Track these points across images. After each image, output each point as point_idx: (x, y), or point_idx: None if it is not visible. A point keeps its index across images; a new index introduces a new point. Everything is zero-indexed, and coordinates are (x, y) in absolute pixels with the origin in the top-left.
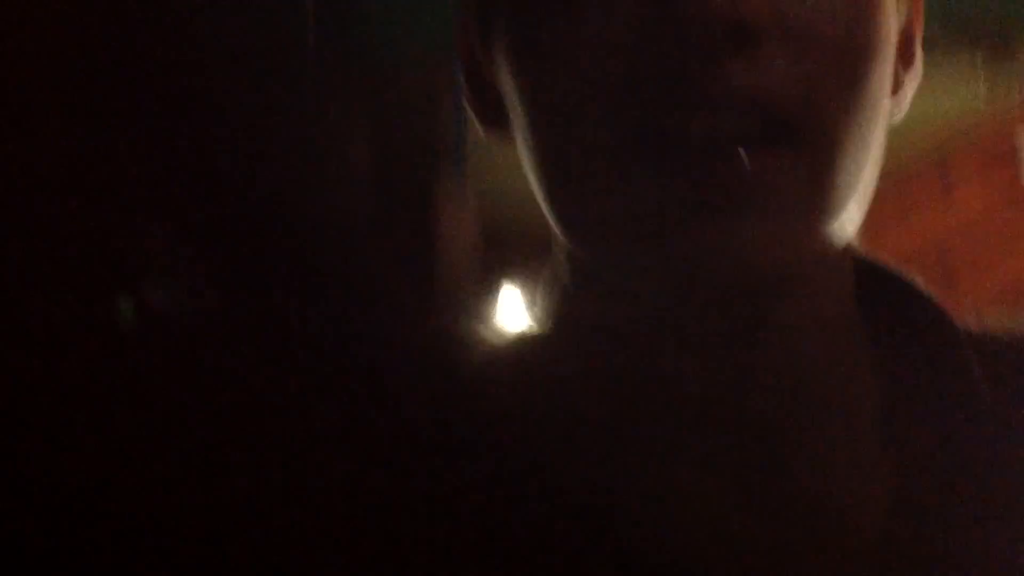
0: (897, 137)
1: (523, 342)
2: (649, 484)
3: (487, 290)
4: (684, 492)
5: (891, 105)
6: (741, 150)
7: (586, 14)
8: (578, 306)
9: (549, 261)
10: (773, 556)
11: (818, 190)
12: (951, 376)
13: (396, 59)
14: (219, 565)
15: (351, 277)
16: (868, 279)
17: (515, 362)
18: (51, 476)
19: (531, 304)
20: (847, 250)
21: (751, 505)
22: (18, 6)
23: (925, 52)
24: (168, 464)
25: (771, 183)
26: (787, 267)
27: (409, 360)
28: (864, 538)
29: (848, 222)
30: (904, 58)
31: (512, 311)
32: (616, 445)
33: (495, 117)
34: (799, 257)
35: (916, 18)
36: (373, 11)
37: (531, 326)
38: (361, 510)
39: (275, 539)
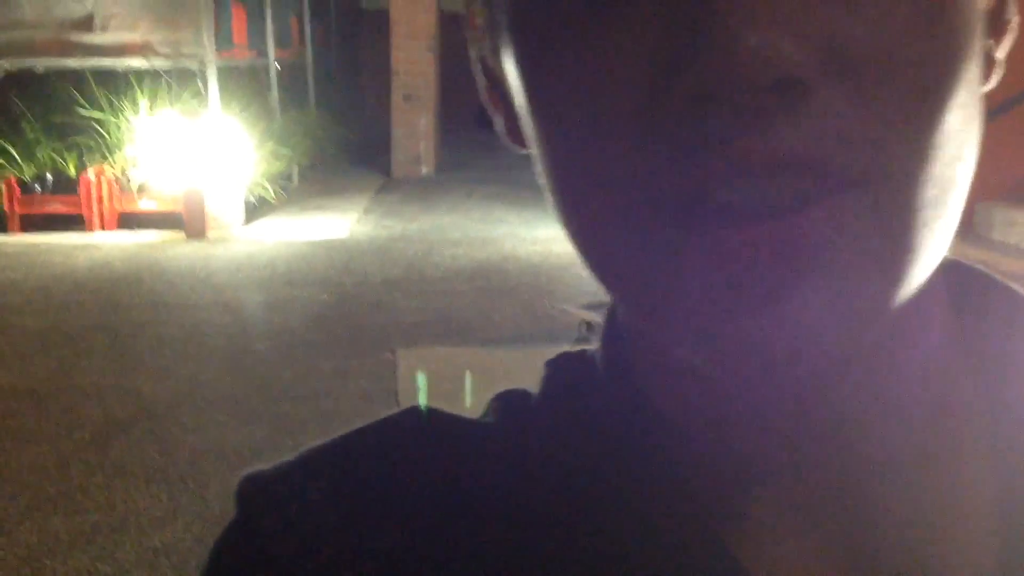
0: None
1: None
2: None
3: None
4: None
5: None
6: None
7: (602, 55)
8: (629, 354)
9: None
10: None
11: (898, 241)
12: None
13: None
14: None
15: None
16: (958, 285)
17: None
18: None
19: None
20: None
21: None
22: None
23: None
24: None
25: (837, 245)
26: (860, 341)
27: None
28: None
29: (936, 257)
30: (996, 27)
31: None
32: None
33: (517, 136)
34: (876, 323)
35: None
36: None
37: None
38: None
39: None
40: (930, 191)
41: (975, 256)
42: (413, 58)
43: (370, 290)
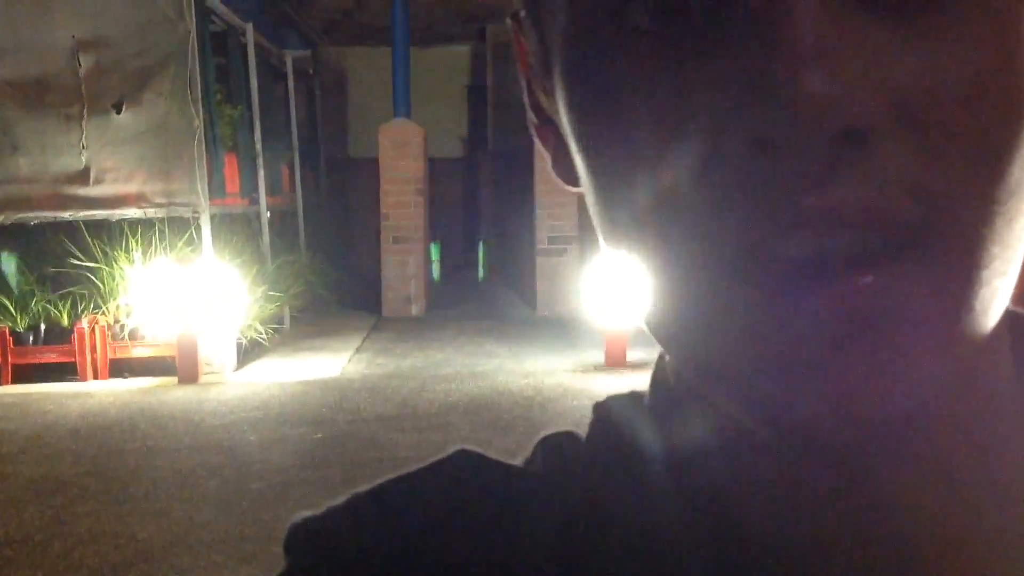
0: None
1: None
2: None
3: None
4: None
5: None
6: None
7: (663, 100)
8: (676, 414)
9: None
10: None
11: (959, 301)
12: None
13: None
14: None
15: None
16: (1019, 338)
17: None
18: None
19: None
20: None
21: None
22: None
23: None
24: None
25: (896, 305)
26: (917, 403)
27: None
28: None
29: (996, 315)
30: None
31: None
32: None
33: (567, 173)
34: (936, 386)
35: None
36: None
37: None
38: None
39: None
40: (992, 249)
41: None
42: (402, 202)
43: (364, 427)
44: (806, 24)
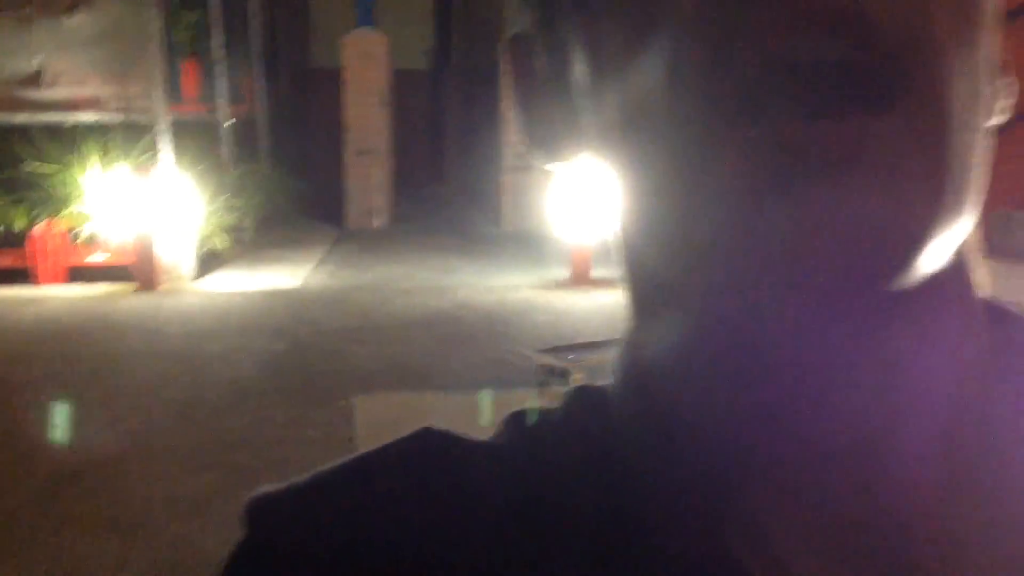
0: None
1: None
2: None
3: None
4: None
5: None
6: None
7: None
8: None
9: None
10: None
11: (942, 146)
12: None
13: None
14: None
15: None
16: (1001, 328)
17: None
18: None
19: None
20: (969, 280)
21: None
22: None
23: None
24: None
25: (890, 146)
26: (904, 254)
27: None
28: None
29: (974, 192)
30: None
31: None
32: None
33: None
34: (917, 241)
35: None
36: None
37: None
38: None
39: None
40: (963, 126)
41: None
42: (366, 114)
43: (325, 339)
44: None
